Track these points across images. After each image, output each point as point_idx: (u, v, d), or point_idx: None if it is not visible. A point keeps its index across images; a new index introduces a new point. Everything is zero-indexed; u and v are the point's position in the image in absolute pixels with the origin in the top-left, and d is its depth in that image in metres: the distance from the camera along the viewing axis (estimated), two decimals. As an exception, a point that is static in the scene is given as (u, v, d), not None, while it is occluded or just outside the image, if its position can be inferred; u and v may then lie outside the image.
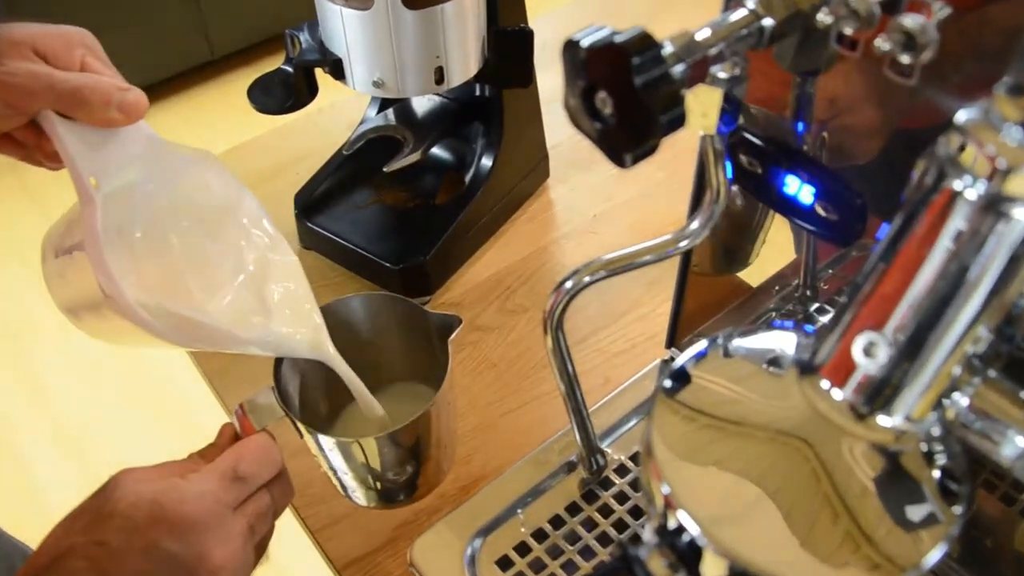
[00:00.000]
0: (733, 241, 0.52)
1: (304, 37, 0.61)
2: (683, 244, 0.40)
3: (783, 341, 0.34)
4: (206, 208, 0.44)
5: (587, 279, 0.41)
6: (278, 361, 0.47)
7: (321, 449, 0.46)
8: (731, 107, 0.34)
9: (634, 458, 0.54)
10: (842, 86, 0.37)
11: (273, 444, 0.42)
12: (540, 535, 0.50)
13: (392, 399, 0.52)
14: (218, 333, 0.42)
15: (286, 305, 0.45)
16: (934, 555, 0.28)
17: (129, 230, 0.41)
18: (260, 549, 0.42)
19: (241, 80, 2.24)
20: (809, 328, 0.34)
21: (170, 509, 0.36)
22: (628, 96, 0.29)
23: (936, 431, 0.30)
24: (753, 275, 0.55)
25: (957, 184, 0.26)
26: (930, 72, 0.31)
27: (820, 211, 0.40)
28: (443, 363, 0.47)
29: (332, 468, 0.47)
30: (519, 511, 0.51)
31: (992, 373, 0.29)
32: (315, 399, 0.51)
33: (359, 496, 0.49)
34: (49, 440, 1.50)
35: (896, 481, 0.29)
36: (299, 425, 0.45)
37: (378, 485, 0.48)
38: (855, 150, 0.40)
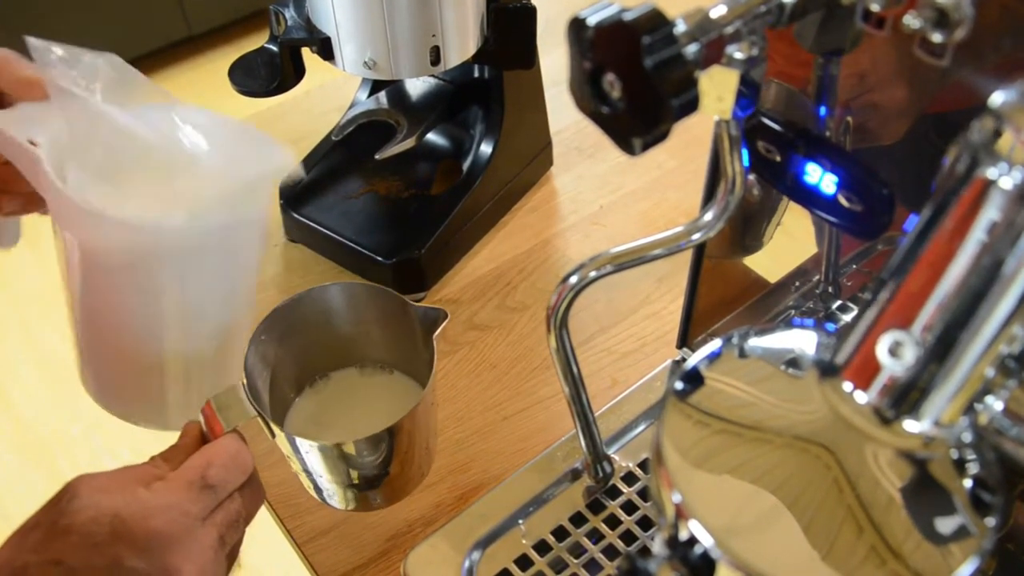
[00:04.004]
0: (744, 222, 0.52)
1: (290, 13, 0.61)
2: (696, 237, 0.40)
3: (803, 341, 0.34)
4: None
5: (593, 274, 0.41)
6: (247, 355, 0.46)
7: (296, 451, 0.46)
8: (748, 90, 0.34)
9: (643, 465, 0.54)
10: (868, 64, 0.37)
11: (244, 447, 0.41)
12: (543, 547, 0.50)
13: (375, 393, 0.52)
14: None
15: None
16: (965, 570, 0.28)
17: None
18: (231, 558, 0.41)
19: (221, 59, 2.24)
20: (831, 327, 0.34)
21: (134, 524, 0.36)
22: (638, 78, 0.29)
23: (967, 437, 0.30)
24: (771, 270, 0.55)
25: (991, 172, 0.26)
26: (963, 51, 0.31)
27: (843, 201, 0.40)
28: (427, 359, 0.47)
29: (307, 470, 0.47)
30: (520, 522, 0.51)
31: (1027, 375, 0.29)
32: (285, 393, 0.52)
33: (335, 499, 0.49)
34: (12, 444, 1.50)
35: (924, 491, 0.29)
36: (272, 425, 0.44)
37: (356, 488, 0.48)
38: (880, 131, 0.40)
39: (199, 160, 0.46)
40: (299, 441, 0.44)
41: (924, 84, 0.36)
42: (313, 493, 0.50)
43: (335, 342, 0.51)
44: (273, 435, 0.45)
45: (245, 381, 0.45)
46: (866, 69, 0.38)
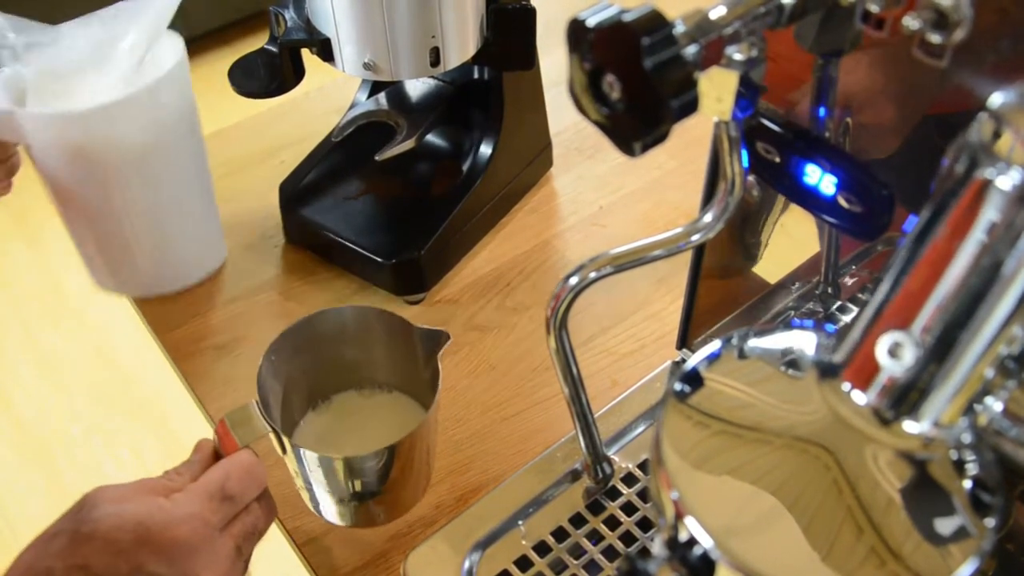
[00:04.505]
0: (743, 223, 0.52)
1: (290, 15, 0.61)
2: (696, 238, 0.40)
3: (802, 341, 0.34)
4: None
5: (593, 275, 0.41)
6: (260, 372, 0.47)
7: (302, 465, 0.46)
8: (747, 91, 0.34)
9: (643, 466, 0.54)
10: (859, 82, 0.37)
11: (259, 462, 0.43)
12: (542, 548, 0.50)
13: (377, 414, 0.53)
14: None
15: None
16: (965, 571, 0.28)
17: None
18: (243, 566, 0.42)
19: (220, 61, 2.23)
20: (830, 328, 0.34)
21: (157, 532, 0.37)
22: (637, 79, 0.29)
23: (967, 438, 0.30)
24: (771, 271, 0.55)
25: (990, 173, 0.26)
26: (963, 52, 0.31)
27: (843, 203, 0.40)
28: (428, 379, 0.47)
29: (309, 483, 0.48)
30: (520, 523, 0.51)
31: (1027, 376, 0.29)
32: (292, 413, 0.52)
33: (333, 514, 0.50)
34: (12, 444, 1.50)
35: (924, 492, 0.29)
36: (285, 441, 0.45)
37: (359, 504, 0.49)
38: (871, 147, 0.40)
39: (104, 52, 0.60)
40: (308, 455, 0.45)
41: (915, 99, 0.36)
42: (312, 508, 0.50)
43: (340, 363, 0.52)
44: (284, 450, 0.46)
45: (258, 399, 0.45)
46: (854, 89, 0.38)
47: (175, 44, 0.62)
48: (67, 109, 0.57)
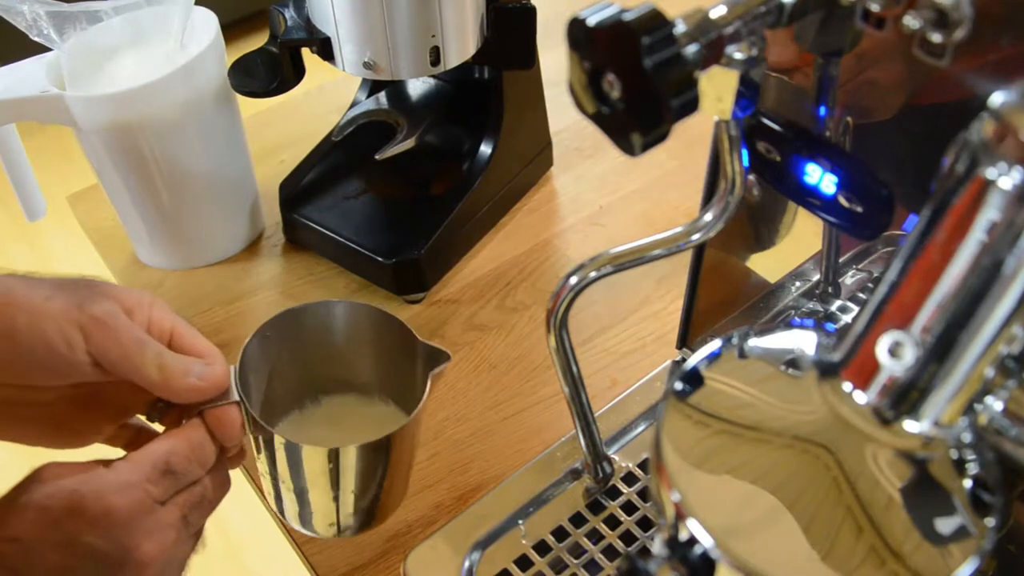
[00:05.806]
0: (753, 219, 0.52)
1: (290, 14, 0.61)
2: (696, 237, 0.40)
3: (802, 341, 0.34)
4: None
5: (593, 274, 0.41)
6: (248, 347, 0.45)
7: (271, 450, 0.44)
8: (748, 90, 0.34)
9: (643, 465, 0.54)
10: (866, 42, 0.37)
11: (207, 440, 0.40)
12: (542, 548, 0.50)
13: (367, 422, 0.50)
14: None
15: None
16: (965, 571, 0.28)
17: None
18: (195, 538, 0.41)
19: (222, 61, 2.23)
20: (831, 327, 0.34)
21: (91, 500, 0.35)
22: (637, 79, 0.29)
23: (967, 437, 0.30)
24: (771, 270, 0.55)
25: (991, 172, 0.26)
26: (963, 50, 0.31)
27: (843, 202, 0.40)
28: (418, 389, 0.45)
29: (273, 473, 0.45)
30: (520, 522, 0.51)
31: (1027, 375, 0.29)
32: (276, 405, 0.49)
33: (291, 514, 0.47)
34: (12, 447, 1.50)
35: (924, 491, 0.29)
36: (249, 415, 0.42)
37: (318, 503, 0.46)
38: (878, 107, 0.40)
39: (140, 32, 0.64)
40: (272, 437, 0.42)
41: (920, 66, 0.36)
42: (271, 501, 0.47)
43: (334, 364, 0.49)
44: (248, 430, 0.43)
45: (236, 366, 0.43)
46: (864, 47, 0.37)
47: (209, 20, 0.65)
48: (114, 90, 0.59)
